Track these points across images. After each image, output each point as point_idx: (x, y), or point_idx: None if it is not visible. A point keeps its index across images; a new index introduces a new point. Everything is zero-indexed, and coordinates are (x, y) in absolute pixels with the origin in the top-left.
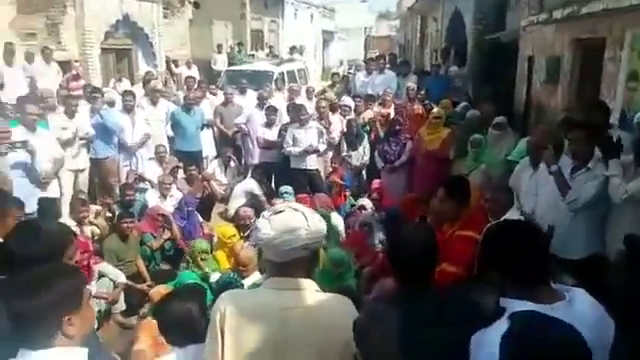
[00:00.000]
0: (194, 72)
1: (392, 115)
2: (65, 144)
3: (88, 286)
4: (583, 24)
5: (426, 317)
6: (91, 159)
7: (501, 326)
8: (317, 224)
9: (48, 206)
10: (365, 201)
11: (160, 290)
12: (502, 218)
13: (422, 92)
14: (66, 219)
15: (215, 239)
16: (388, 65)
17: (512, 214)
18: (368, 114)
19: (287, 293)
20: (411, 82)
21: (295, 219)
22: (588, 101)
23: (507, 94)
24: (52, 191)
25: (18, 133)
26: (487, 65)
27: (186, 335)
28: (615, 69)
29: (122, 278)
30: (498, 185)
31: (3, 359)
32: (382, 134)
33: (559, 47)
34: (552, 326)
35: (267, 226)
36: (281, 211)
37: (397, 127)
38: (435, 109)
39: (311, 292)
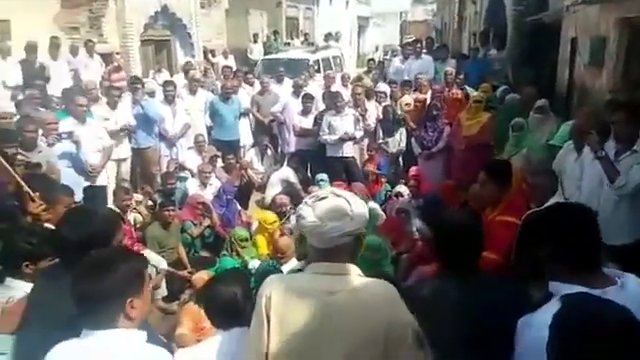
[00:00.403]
0: (231, 62)
1: (428, 101)
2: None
3: None
4: (630, 2)
5: (471, 301)
6: (133, 149)
7: (551, 308)
8: (360, 209)
9: (95, 194)
10: (402, 188)
11: (202, 276)
12: (545, 204)
13: (461, 76)
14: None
15: (255, 225)
16: (425, 50)
17: (556, 200)
18: (405, 99)
19: (331, 277)
20: (449, 67)
21: (339, 205)
22: (634, 82)
23: (549, 77)
24: (100, 180)
25: (68, 124)
26: (528, 47)
27: (231, 318)
28: None
29: (164, 264)
30: (540, 170)
31: (66, 339)
32: (412, 123)
33: (604, 27)
34: (606, 307)
35: (310, 213)
36: (324, 197)
37: (435, 112)
38: (476, 93)
39: (355, 276)
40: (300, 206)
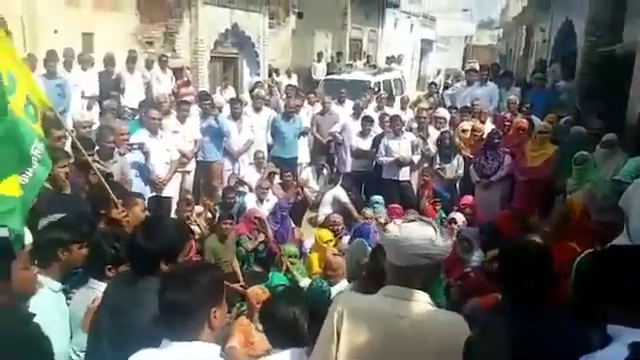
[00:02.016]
0: (294, 81)
1: (488, 129)
2: (176, 146)
3: None
4: None
5: (528, 335)
6: (199, 162)
7: (613, 352)
8: (445, 240)
9: (159, 204)
10: (457, 215)
11: (256, 290)
12: (611, 243)
13: (527, 105)
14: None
15: (307, 242)
16: (490, 76)
17: (621, 240)
18: (462, 126)
19: (400, 302)
20: (513, 95)
21: (425, 228)
22: None
23: (619, 111)
24: (168, 191)
25: (140, 136)
26: (598, 79)
27: (289, 338)
28: None
29: None
30: (605, 206)
31: (138, 346)
32: (468, 151)
33: None
34: None
35: (396, 229)
36: (413, 220)
37: (496, 141)
38: (541, 123)
39: (424, 304)
40: (390, 225)
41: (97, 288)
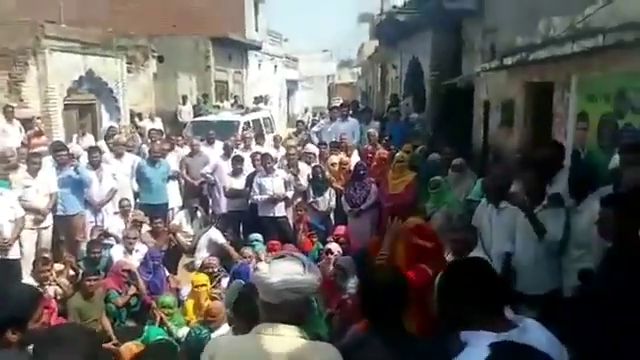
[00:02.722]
0: (158, 124)
1: (354, 161)
2: (28, 202)
3: None
4: (534, 68)
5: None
6: (58, 216)
7: (474, 356)
8: (313, 272)
9: (6, 268)
10: (332, 245)
11: (131, 347)
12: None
13: (386, 137)
14: (27, 280)
15: (185, 289)
16: (351, 112)
17: (477, 254)
18: (331, 160)
19: (272, 338)
20: (372, 128)
21: (292, 265)
22: (541, 141)
23: (465, 137)
24: (12, 252)
25: None
26: (445, 109)
27: None
28: (564, 111)
29: None
30: (459, 226)
31: None
32: (338, 183)
33: (512, 91)
34: (532, 355)
35: (266, 268)
36: (282, 256)
37: (361, 172)
38: (398, 153)
39: (295, 338)
40: (260, 262)
41: None
